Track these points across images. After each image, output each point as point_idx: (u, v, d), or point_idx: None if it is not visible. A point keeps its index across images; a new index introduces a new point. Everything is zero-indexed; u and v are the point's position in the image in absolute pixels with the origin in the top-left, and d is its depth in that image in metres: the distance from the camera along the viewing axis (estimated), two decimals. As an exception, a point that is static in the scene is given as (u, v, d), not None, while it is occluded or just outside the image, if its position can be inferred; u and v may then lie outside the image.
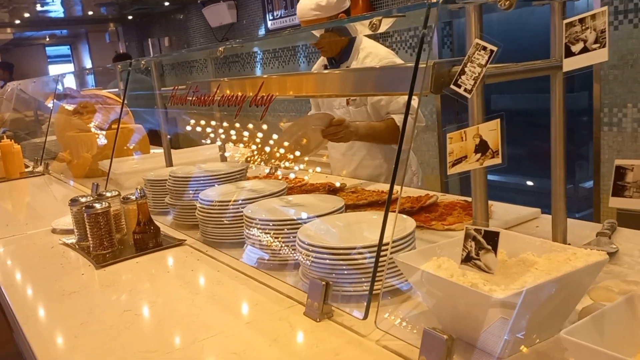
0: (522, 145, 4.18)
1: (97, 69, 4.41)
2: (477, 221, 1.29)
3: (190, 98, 2.04)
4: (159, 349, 1.18)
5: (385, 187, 2.33)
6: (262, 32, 6.17)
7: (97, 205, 1.89)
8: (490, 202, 1.90)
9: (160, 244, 1.91)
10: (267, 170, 2.82)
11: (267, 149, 2.59)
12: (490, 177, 1.25)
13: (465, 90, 1.02)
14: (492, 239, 0.91)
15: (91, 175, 3.51)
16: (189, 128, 2.77)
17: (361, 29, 1.68)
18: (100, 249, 1.89)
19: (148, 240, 1.90)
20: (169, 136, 3.00)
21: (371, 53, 2.50)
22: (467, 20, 1.21)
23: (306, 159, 2.87)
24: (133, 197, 1.98)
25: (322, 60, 2.77)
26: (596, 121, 3.22)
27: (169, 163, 2.88)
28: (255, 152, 2.82)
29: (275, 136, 2.64)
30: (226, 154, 3.05)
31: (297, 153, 2.39)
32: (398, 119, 2.48)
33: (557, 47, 1.35)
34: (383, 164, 2.69)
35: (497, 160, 0.99)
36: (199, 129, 2.75)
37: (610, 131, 3.18)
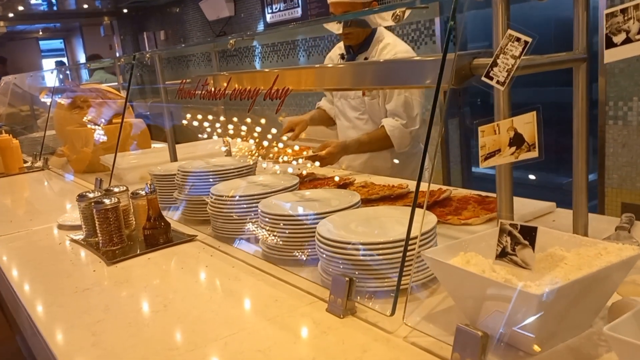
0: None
1: (94, 64, 4.36)
2: (502, 215, 1.27)
3: (200, 92, 2.00)
4: (181, 346, 1.16)
5: (395, 181, 2.31)
6: (260, 26, 6.12)
7: (107, 201, 1.86)
8: (505, 196, 1.90)
9: (171, 240, 1.88)
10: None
11: (281, 144, 2.58)
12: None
13: (498, 82, 1.01)
14: (530, 234, 0.90)
15: (91, 170, 3.47)
16: (195, 123, 2.75)
17: (381, 20, 1.66)
18: (110, 245, 1.87)
19: (159, 236, 1.87)
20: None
21: (389, 44, 2.49)
22: (494, 11, 1.19)
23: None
24: (142, 193, 1.95)
25: (338, 49, 2.73)
26: (601, 114, 3.21)
27: (174, 158, 2.85)
28: (261, 147, 2.80)
29: (274, 130, 2.63)
30: (223, 149, 3.03)
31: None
32: (389, 125, 2.50)
33: (580, 39, 1.34)
34: (394, 157, 2.68)
35: (534, 154, 0.97)
36: (205, 123, 2.72)
37: (616, 125, 3.17)
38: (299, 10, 5.46)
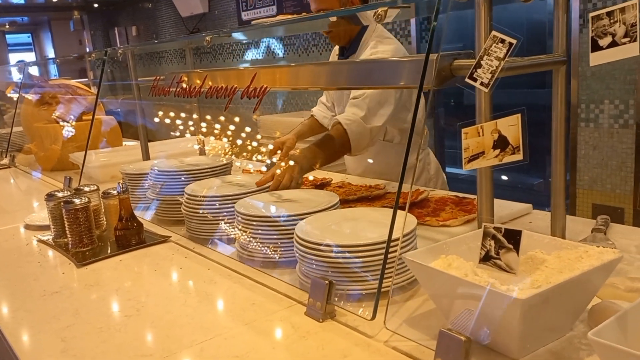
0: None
1: (64, 58, 4.25)
2: (483, 218, 1.27)
3: (174, 89, 1.96)
4: (155, 353, 1.12)
5: (372, 181, 2.29)
6: (234, 23, 6.05)
7: (77, 201, 1.80)
8: (482, 197, 1.90)
9: (144, 241, 1.83)
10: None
11: (255, 143, 2.52)
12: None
13: (481, 84, 0.99)
14: (514, 237, 0.89)
15: (59, 168, 3.39)
16: (168, 120, 2.69)
17: (365, 19, 1.59)
18: (80, 246, 1.81)
19: (131, 237, 1.82)
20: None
21: (378, 46, 2.27)
22: (477, 13, 1.18)
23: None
24: (114, 192, 1.90)
25: (336, 50, 2.58)
26: (573, 117, 3.26)
27: (146, 156, 2.78)
28: (235, 146, 2.75)
29: (248, 129, 2.57)
30: (196, 147, 2.98)
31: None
32: (345, 119, 2.13)
33: (560, 42, 1.34)
34: (395, 167, 2.43)
35: (519, 157, 0.96)
36: (178, 121, 2.67)
37: (587, 127, 3.22)
38: (274, 8, 5.42)
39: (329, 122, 2.64)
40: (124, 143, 3.81)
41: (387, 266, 1.12)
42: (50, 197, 1.92)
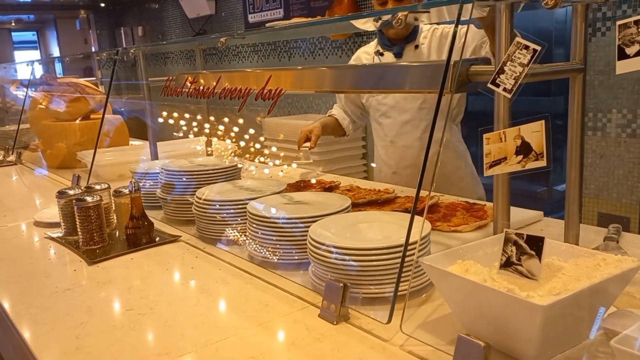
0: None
1: (73, 57, 4.25)
2: (499, 224, 1.27)
3: (187, 90, 1.96)
4: (171, 352, 1.12)
5: (380, 185, 2.30)
6: (241, 25, 6.06)
7: (88, 199, 1.81)
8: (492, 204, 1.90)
9: (154, 240, 1.84)
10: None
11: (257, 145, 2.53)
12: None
13: (504, 89, 1.00)
14: (536, 244, 0.89)
15: (65, 165, 3.40)
16: (175, 121, 2.70)
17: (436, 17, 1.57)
18: (91, 244, 1.81)
19: (141, 235, 1.82)
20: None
21: (436, 26, 2.34)
22: (497, 19, 1.19)
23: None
24: (125, 191, 1.90)
25: (365, 52, 2.55)
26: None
27: (155, 156, 2.79)
28: (238, 147, 2.75)
29: (252, 131, 2.57)
30: (198, 147, 2.98)
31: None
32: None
33: (578, 50, 1.34)
34: (461, 164, 2.49)
35: (542, 163, 0.97)
36: (185, 122, 2.68)
37: (595, 136, 3.22)
38: (281, 11, 5.43)
39: (348, 124, 2.68)
40: (130, 142, 3.82)
41: (403, 270, 1.12)
42: (61, 194, 1.93)
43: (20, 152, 3.79)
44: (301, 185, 2.32)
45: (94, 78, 4.31)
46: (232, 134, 2.72)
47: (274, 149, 2.93)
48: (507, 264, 0.93)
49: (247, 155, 2.76)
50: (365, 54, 2.55)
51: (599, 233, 1.63)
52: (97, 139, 2.67)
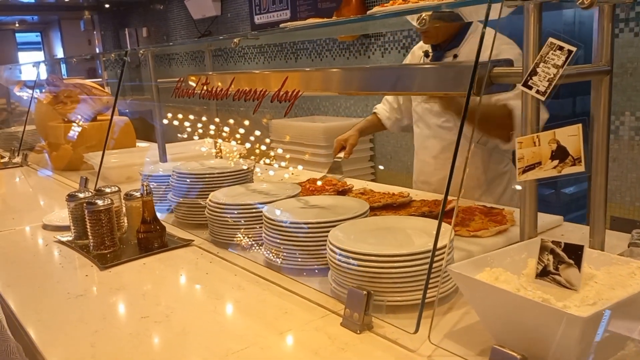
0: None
1: (80, 58, 4.23)
2: (526, 230, 1.23)
3: (200, 91, 1.93)
4: (190, 362, 1.09)
5: (394, 188, 2.26)
6: (247, 26, 6.03)
7: (99, 202, 1.78)
8: (512, 208, 1.86)
9: (166, 244, 1.80)
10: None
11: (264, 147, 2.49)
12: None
13: (537, 92, 0.96)
14: (575, 253, 0.85)
15: (71, 167, 3.37)
16: (183, 122, 2.67)
17: (474, 14, 1.48)
18: (102, 248, 1.78)
19: (153, 239, 1.79)
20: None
21: (502, 45, 2.03)
22: (526, 19, 1.15)
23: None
24: (137, 194, 1.87)
25: (419, 48, 2.39)
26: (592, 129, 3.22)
27: (164, 158, 2.75)
28: (245, 150, 2.72)
29: (258, 132, 2.54)
30: (203, 149, 2.95)
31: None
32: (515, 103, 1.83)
33: (604, 51, 1.31)
34: (481, 176, 2.28)
35: (580, 168, 0.93)
36: (197, 123, 2.65)
37: (607, 139, 3.18)
38: (288, 12, 5.40)
39: (392, 123, 2.56)
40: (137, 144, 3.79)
41: (431, 277, 1.09)
42: (71, 197, 1.89)
43: (27, 154, 3.76)
44: (308, 188, 2.26)
45: (100, 79, 4.28)
46: (238, 136, 2.70)
47: (279, 150, 2.90)
48: (543, 273, 0.89)
49: (253, 157, 2.73)
50: (419, 49, 2.41)
51: (621, 239, 1.59)
52: (106, 141, 2.65)
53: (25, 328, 1.28)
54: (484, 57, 1.08)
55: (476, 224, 1.71)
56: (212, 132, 2.75)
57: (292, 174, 2.71)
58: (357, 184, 2.41)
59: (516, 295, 0.94)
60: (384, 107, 2.58)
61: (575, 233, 1.70)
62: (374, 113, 2.62)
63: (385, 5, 1.55)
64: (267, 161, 2.83)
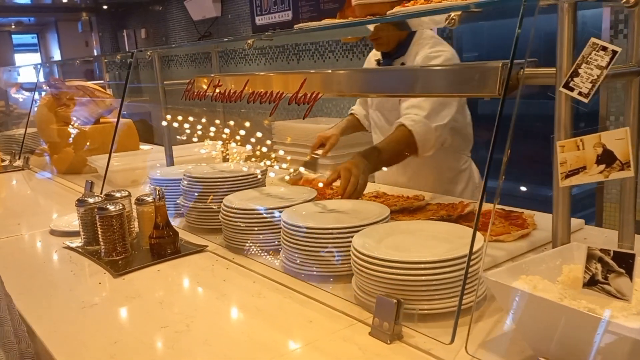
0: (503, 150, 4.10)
1: (82, 59, 4.20)
2: (559, 236, 1.20)
3: (212, 93, 1.89)
4: (216, 375, 1.05)
5: (408, 191, 2.22)
6: (248, 28, 6.00)
7: (111, 207, 1.73)
8: (531, 212, 1.83)
9: (179, 250, 1.76)
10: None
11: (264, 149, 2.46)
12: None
13: (580, 94, 0.93)
14: (626, 261, 0.82)
15: (73, 171, 3.33)
16: (183, 125, 2.64)
17: (428, 23, 1.49)
18: (113, 254, 1.74)
19: (166, 245, 1.75)
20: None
21: (437, 46, 2.15)
22: (559, 19, 1.12)
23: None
24: (148, 198, 1.83)
25: (374, 54, 2.45)
26: (602, 129, 3.19)
27: (170, 162, 2.71)
28: (249, 152, 2.69)
29: (259, 134, 2.50)
30: (203, 151, 2.91)
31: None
32: (408, 119, 2.00)
33: (635, 51, 1.28)
34: (441, 175, 2.35)
35: (629, 173, 0.90)
36: (186, 125, 2.62)
37: (617, 140, 3.16)
38: (290, 13, 5.37)
39: (369, 124, 2.55)
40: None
41: (467, 284, 1.05)
42: (81, 202, 1.85)
43: (28, 157, 3.71)
44: (325, 192, 2.23)
45: (101, 81, 4.23)
46: (239, 138, 2.66)
47: (281, 152, 2.86)
48: (591, 283, 0.86)
49: (253, 159, 2.69)
50: (373, 56, 2.46)
51: (644, 242, 1.56)
52: (112, 144, 2.60)
53: (41, 339, 1.24)
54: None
55: (497, 228, 1.67)
56: (214, 135, 2.72)
57: (291, 175, 2.67)
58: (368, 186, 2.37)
59: (561, 305, 0.90)
60: (360, 108, 2.61)
61: (598, 237, 1.67)
62: (352, 114, 2.63)
63: (406, 4, 1.52)
64: (268, 163, 2.80)
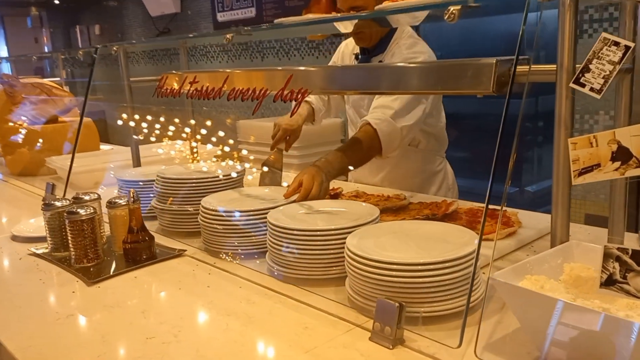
0: (464, 148, 4.11)
1: (39, 55, 4.01)
2: (558, 234, 1.19)
3: (187, 90, 1.81)
4: (214, 389, 0.99)
5: (387, 191, 2.20)
6: (209, 24, 5.87)
7: (81, 211, 1.63)
8: (515, 210, 1.83)
9: (156, 255, 1.68)
10: None
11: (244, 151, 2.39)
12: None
13: (592, 89, 0.91)
14: (646, 260, 0.81)
15: (27, 172, 3.18)
16: (152, 124, 2.54)
17: (408, 20, 1.47)
18: (85, 261, 1.64)
19: (142, 250, 1.66)
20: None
21: (415, 46, 2.11)
22: (560, 14, 1.11)
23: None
24: (121, 201, 1.73)
25: (346, 46, 2.36)
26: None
27: (137, 162, 2.60)
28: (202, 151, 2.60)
29: (222, 133, 2.43)
30: (160, 151, 2.82)
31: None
32: (374, 118, 1.96)
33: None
34: (416, 176, 2.33)
35: (647, 171, 0.89)
36: (144, 124, 2.53)
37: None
38: (253, 10, 5.27)
39: (322, 116, 2.46)
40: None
41: (474, 286, 1.03)
42: (48, 206, 1.74)
43: (-20, 158, 3.51)
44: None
45: (58, 78, 4.05)
46: (199, 137, 2.59)
47: (244, 152, 2.79)
48: (609, 282, 0.84)
49: (214, 159, 2.62)
50: (347, 48, 2.38)
51: (630, 239, 1.57)
52: (75, 144, 2.48)
53: (14, 356, 1.14)
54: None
55: (485, 227, 1.66)
56: (177, 134, 2.63)
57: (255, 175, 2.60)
58: (347, 186, 2.34)
59: (575, 305, 0.88)
60: (316, 97, 2.44)
61: (582, 234, 1.68)
62: (307, 102, 2.42)
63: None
64: (231, 162, 2.73)
